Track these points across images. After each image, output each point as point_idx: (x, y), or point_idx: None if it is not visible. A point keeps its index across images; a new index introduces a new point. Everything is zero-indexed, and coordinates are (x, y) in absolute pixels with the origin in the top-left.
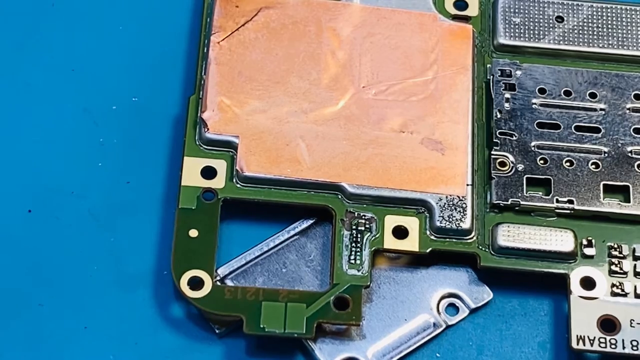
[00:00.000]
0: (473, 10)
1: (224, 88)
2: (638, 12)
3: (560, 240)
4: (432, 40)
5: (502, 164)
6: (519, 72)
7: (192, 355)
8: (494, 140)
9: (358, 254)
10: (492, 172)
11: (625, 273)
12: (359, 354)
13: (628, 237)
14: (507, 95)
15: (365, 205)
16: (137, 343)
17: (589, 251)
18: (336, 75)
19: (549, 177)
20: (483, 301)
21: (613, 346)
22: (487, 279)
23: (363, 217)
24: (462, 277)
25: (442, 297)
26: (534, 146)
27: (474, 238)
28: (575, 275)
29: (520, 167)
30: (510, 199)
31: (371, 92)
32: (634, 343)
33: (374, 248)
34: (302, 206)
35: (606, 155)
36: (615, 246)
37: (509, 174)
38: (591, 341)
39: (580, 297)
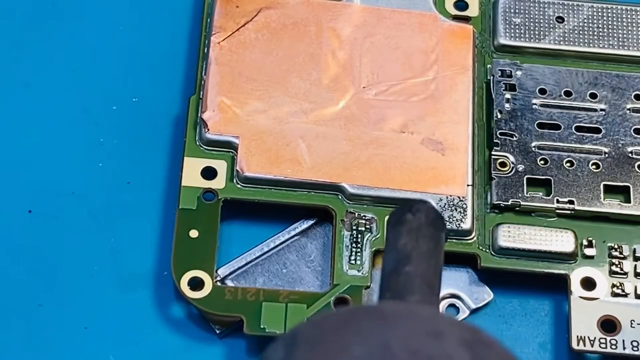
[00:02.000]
0: (473, 10)
1: (224, 88)
2: (638, 13)
3: (561, 240)
4: (433, 41)
5: (503, 164)
6: (519, 73)
7: (192, 355)
8: (495, 140)
9: (358, 254)
10: (493, 172)
11: (626, 273)
12: None
13: (628, 238)
14: (508, 95)
15: (365, 206)
16: (137, 343)
17: (589, 251)
18: (336, 75)
19: (549, 177)
20: (483, 302)
21: (613, 347)
22: (488, 280)
23: (363, 217)
24: (462, 277)
25: (443, 298)
26: (534, 146)
27: (475, 238)
28: (576, 276)
29: (521, 167)
30: (511, 200)
31: (371, 92)
32: (634, 344)
33: (374, 248)
34: (303, 206)
35: (606, 155)
36: (616, 246)
37: (510, 174)
38: (591, 342)
39: (581, 297)
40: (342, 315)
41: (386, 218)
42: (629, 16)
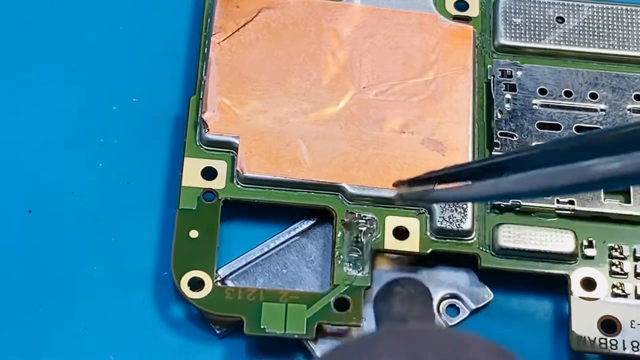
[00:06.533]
0: (474, 10)
1: (225, 89)
2: (638, 13)
3: (561, 241)
4: (433, 41)
5: None
6: (519, 73)
7: (192, 355)
8: (495, 140)
9: (359, 254)
10: None
11: (626, 274)
12: None
13: (629, 238)
14: (508, 95)
15: (365, 206)
16: (137, 343)
17: (589, 252)
18: (336, 75)
19: None
20: (483, 302)
21: (613, 347)
22: (488, 280)
23: (363, 217)
24: (462, 278)
25: (443, 298)
26: None
27: (475, 239)
28: (576, 276)
29: None
30: (511, 200)
31: (372, 92)
32: (635, 344)
33: (375, 249)
34: (303, 207)
35: None
36: (616, 247)
37: None
38: (591, 342)
39: (581, 297)
40: (369, 337)
41: (386, 218)
42: (629, 16)
